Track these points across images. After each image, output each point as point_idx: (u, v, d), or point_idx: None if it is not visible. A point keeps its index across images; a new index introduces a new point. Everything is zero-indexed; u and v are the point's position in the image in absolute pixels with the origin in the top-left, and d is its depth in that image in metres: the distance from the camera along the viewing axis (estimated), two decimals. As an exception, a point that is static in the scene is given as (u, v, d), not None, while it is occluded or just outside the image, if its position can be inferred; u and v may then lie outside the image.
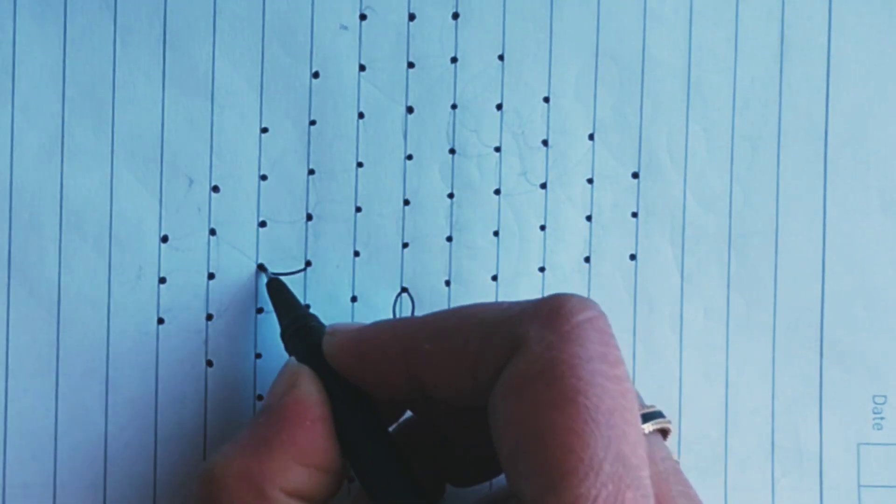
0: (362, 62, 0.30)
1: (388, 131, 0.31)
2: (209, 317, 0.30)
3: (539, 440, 0.20)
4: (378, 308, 0.30)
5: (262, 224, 0.30)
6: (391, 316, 0.30)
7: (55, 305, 0.29)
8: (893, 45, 0.32)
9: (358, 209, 0.31)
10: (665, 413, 0.25)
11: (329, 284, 0.30)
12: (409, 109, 0.31)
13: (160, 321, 0.30)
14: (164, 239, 0.30)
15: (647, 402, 0.25)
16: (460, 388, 0.24)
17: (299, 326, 0.27)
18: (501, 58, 0.31)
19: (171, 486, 0.30)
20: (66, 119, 0.30)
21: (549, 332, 0.22)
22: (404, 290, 0.31)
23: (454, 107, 0.31)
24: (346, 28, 0.30)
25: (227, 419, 0.30)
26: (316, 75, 0.30)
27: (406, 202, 0.31)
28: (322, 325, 0.27)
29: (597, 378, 0.21)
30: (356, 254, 0.31)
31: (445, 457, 0.28)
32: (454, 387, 0.24)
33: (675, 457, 0.25)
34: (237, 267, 0.30)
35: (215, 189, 0.30)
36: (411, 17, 0.31)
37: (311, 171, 0.30)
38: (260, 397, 0.30)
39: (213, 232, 0.30)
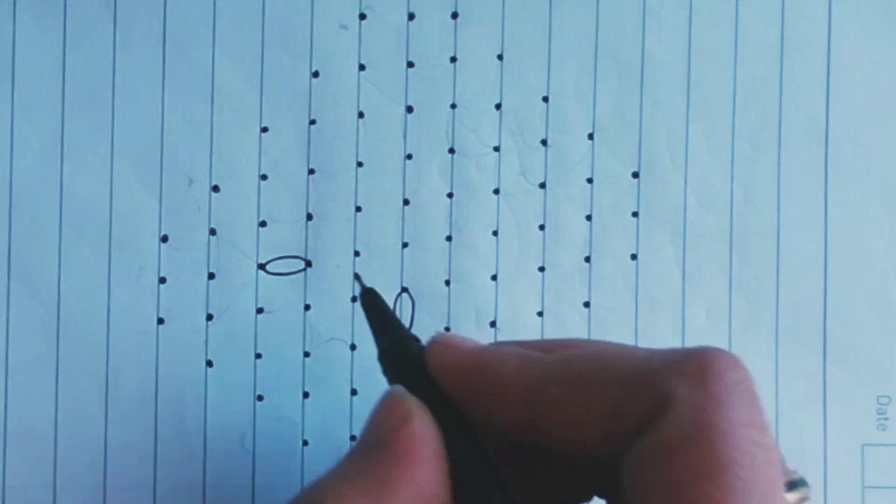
0: (362, 62, 0.31)
1: (388, 131, 0.31)
2: (209, 317, 0.30)
3: None
4: (378, 308, 0.30)
5: (263, 224, 0.30)
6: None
7: (55, 305, 0.29)
8: (893, 45, 0.32)
9: (358, 209, 0.30)
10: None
11: (329, 284, 0.30)
12: (409, 109, 0.31)
13: (160, 321, 0.30)
14: (164, 239, 0.30)
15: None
16: (586, 440, 0.22)
17: (400, 350, 0.25)
18: (500, 57, 0.31)
19: (171, 487, 0.29)
20: (66, 119, 0.30)
21: (700, 392, 0.20)
22: (404, 289, 0.31)
23: (453, 106, 0.31)
24: (345, 28, 0.30)
25: (227, 419, 0.30)
26: (316, 75, 0.30)
27: (406, 202, 0.31)
28: (423, 348, 0.24)
29: (749, 446, 0.20)
30: (356, 254, 0.30)
31: (545, 492, 0.26)
32: (579, 437, 0.22)
33: None
34: (237, 267, 0.30)
35: (215, 189, 0.30)
36: (411, 16, 0.31)
37: (311, 171, 0.30)
38: (260, 397, 0.30)
39: (213, 232, 0.30)
